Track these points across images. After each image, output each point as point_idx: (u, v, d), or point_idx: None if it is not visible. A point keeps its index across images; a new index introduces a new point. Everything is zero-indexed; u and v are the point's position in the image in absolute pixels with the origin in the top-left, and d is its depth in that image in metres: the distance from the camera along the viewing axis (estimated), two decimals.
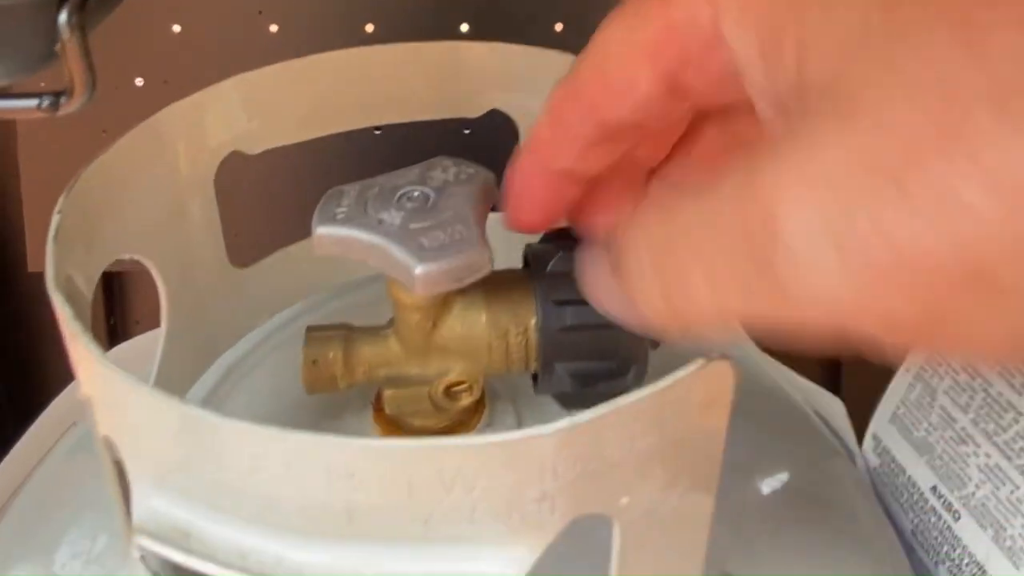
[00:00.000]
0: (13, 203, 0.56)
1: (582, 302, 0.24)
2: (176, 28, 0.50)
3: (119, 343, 0.60)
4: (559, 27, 0.51)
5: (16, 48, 0.18)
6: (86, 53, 0.19)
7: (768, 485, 0.32)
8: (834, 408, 0.36)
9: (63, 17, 0.18)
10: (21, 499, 0.34)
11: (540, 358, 0.26)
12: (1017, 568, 0.29)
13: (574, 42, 0.52)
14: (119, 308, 0.61)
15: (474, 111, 0.35)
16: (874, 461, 0.36)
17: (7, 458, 0.38)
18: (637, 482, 0.18)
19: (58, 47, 0.18)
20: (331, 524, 0.17)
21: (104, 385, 0.18)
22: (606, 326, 0.24)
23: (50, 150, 0.53)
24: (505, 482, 0.17)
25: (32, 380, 0.62)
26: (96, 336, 0.57)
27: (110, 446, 0.20)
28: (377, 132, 0.46)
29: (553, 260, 0.27)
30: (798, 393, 0.38)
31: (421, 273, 0.23)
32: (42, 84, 0.27)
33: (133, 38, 0.51)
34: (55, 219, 0.22)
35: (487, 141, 0.39)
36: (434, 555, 0.17)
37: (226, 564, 0.17)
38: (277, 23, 0.51)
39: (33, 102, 0.19)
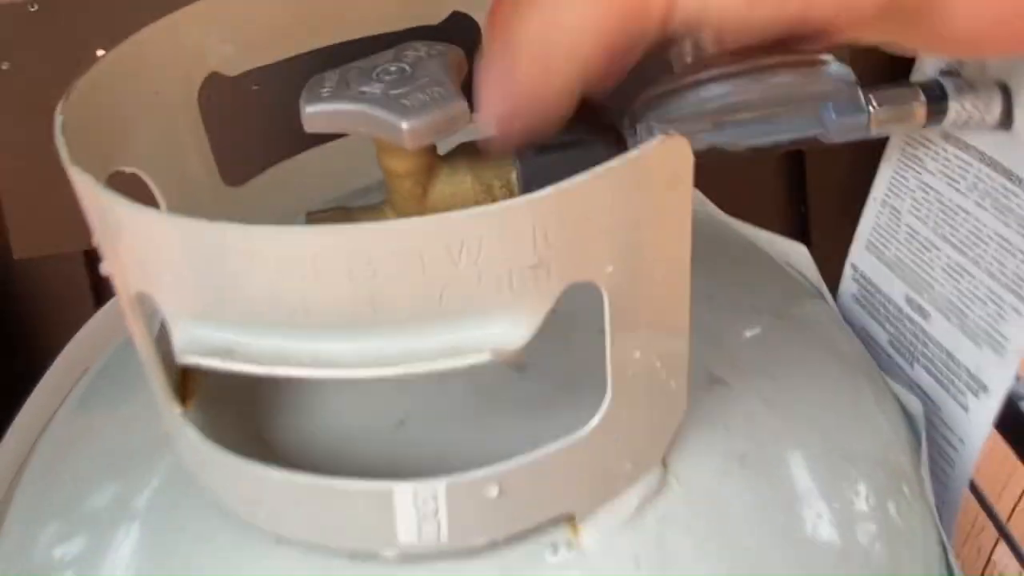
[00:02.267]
0: None
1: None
2: None
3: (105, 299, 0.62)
4: None
5: None
6: None
7: (763, 319, 0.34)
8: (801, 254, 0.39)
9: None
10: (40, 455, 0.35)
11: (520, 187, 0.28)
12: (979, 346, 0.32)
13: None
14: (107, 290, 0.63)
15: (437, 17, 0.37)
16: (853, 288, 0.39)
17: (18, 417, 0.38)
18: (618, 252, 0.20)
19: None
20: (358, 315, 0.19)
21: (134, 230, 0.20)
22: (575, 144, 0.26)
23: (19, 138, 0.54)
24: (504, 249, 0.19)
25: (24, 367, 0.63)
26: (82, 311, 0.58)
27: (142, 302, 0.22)
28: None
29: None
30: (769, 247, 0.40)
31: (408, 127, 0.25)
32: None
33: (94, 11, 0.52)
34: (58, 119, 0.24)
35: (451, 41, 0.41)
36: (450, 327, 0.19)
37: (274, 363, 0.20)
38: None
39: None
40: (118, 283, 0.23)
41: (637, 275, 0.21)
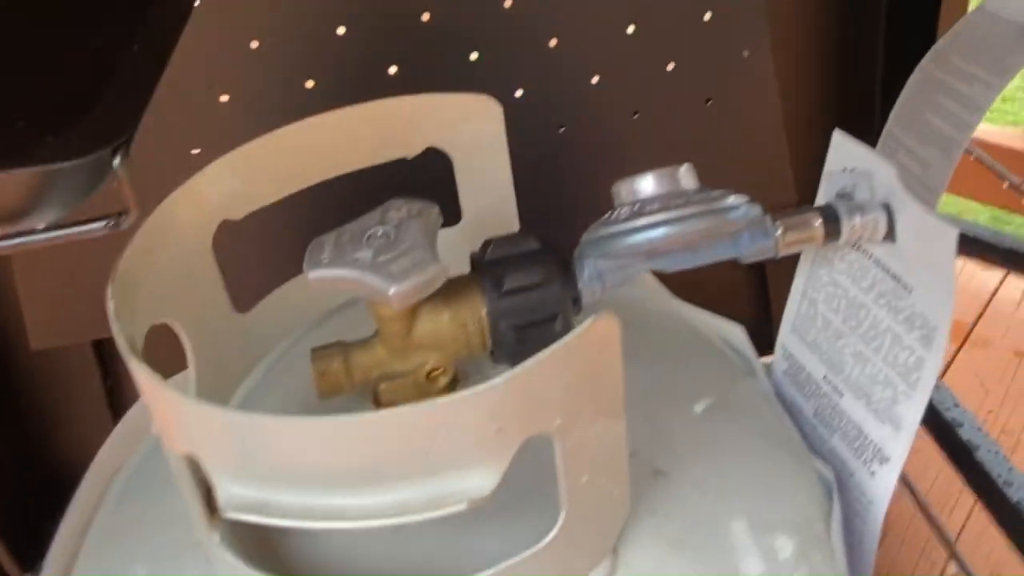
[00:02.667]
0: (6, 290, 0.62)
1: (513, 272, 0.33)
2: None
3: (116, 401, 0.67)
4: (474, 56, 0.59)
5: (79, 189, 0.25)
6: (131, 181, 0.26)
7: (699, 406, 0.41)
8: (737, 334, 0.45)
9: (117, 161, 0.25)
10: (87, 549, 0.40)
11: (489, 323, 0.34)
12: (882, 423, 0.38)
13: (489, 69, 0.61)
14: (113, 370, 0.68)
15: (414, 151, 0.43)
16: (783, 365, 0.45)
17: (63, 524, 0.44)
18: (564, 407, 0.26)
19: (115, 184, 0.25)
20: (364, 476, 0.25)
21: (188, 416, 0.26)
22: (534, 286, 0.32)
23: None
24: (473, 422, 0.25)
25: (38, 453, 0.67)
26: (94, 397, 0.64)
27: (190, 460, 0.28)
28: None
29: (489, 249, 0.35)
30: (707, 326, 0.46)
31: (395, 293, 0.31)
32: None
33: None
34: (110, 304, 0.30)
35: (426, 172, 0.47)
36: (435, 482, 0.25)
37: (297, 518, 0.26)
38: (227, 93, 0.58)
39: (101, 224, 0.27)
40: (166, 441, 0.29)
41: (580, 422, 0.27)
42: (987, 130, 1.18)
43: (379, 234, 0.34)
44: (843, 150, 0.39)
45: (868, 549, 0.40)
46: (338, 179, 0.45)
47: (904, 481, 0.77)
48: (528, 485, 0.34)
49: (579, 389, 0.27)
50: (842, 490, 0.40)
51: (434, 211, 0.35)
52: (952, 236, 0.33)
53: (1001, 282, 1.10)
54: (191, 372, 0.39)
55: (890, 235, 0.37)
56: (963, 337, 1.03)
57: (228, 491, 0.26)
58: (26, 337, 0.61)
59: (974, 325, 1.04)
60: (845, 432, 0.40)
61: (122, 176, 0.25)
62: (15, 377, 0.66)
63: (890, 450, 0.38)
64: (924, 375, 0.36)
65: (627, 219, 0.35)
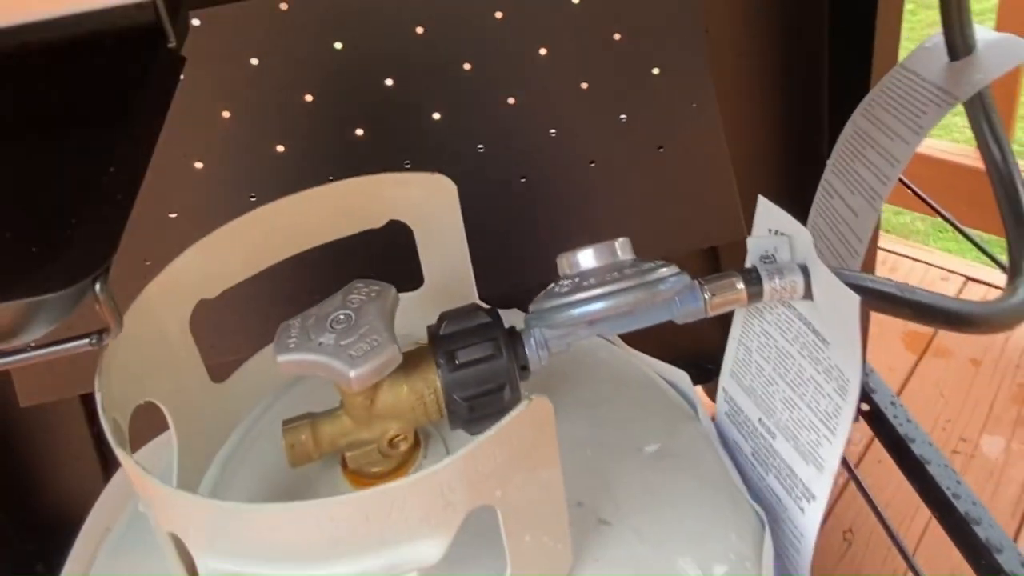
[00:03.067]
0: None
1: (465, 347, 0.37)
2: None
3: (103, 447, 0.70)
4: (436, 116, 0.63)
5: (62, 311, 0.29)
6: (113, 300, 0.29)
7: (645, 452, 0.44)
8: (682, 379, 0.48)
9: (98, 288, 0.28)
10: None
11: (444, 394, 0.37)
12: (807, 464, 0.42)
13: (451, 127, 0.65)
14: (99, 418, 0.71)
15: (378, 222, 0.47)
16: (724, 407, 0.48)
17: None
18: (504, 480, 0.30)
19: (97, 307, 0.29)
20: (327, 551, 0.29)
21: (170, 502, 0.30)
22: (484, 360, 0.36)
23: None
24: (422, 500, 0.28)
25: (29, 500, 0.70)
26: (82, 443, 0.67)
27: (174, 537, 0.31)
28: None
29: (443, 325, 0.39)
30: (655, 370, 0.50)
31: (354, 376, 0.35)
32: None
33: None
34: (98, 396, 0.33)
35: (388, 240, 0.51)
36: (389, 552, 0.29)
37: None
38: (201, 160, 0.62)
39: (84, 341, 0.30)
40: (155, 520, 0.32)
41: (519, 490, 0.31)
42: (940, 147, 1.23)
43: (340, 318, 0.37)
44: (768, 215, 0.43)
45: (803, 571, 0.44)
46: (305, 256, 0.48)
47: (865, 495, 0.82)
48: (476, 545, 0.37)
49: (518, 463, 0.30)
50: (778, 523, 0.44)
51: (391, 293, 0.39)
52: (854, 301, 0.37)
53: (959, 292, 1.14)
54: (173, 441, 0.42)
55: (808, 294, 0.41)
56: (923, 348, 1.07)
57: (207, 565, 0.30)
58: (15, 394, 0.64)
59: (933, 336, 1.08)
60: (779, 471, 0.44)
61: (103, 300, 0.28)
62: (7, 424, 0.69)
63: (816, 488, 0.42)
64: (841, 421, 0.40)
65: (568, 292, 0.39)
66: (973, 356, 1.04)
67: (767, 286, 0.40)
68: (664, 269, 0.40)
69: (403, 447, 0.39)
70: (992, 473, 0.92)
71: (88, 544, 0.48)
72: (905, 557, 0.75)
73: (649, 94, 0.66)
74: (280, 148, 0.63)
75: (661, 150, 0.68)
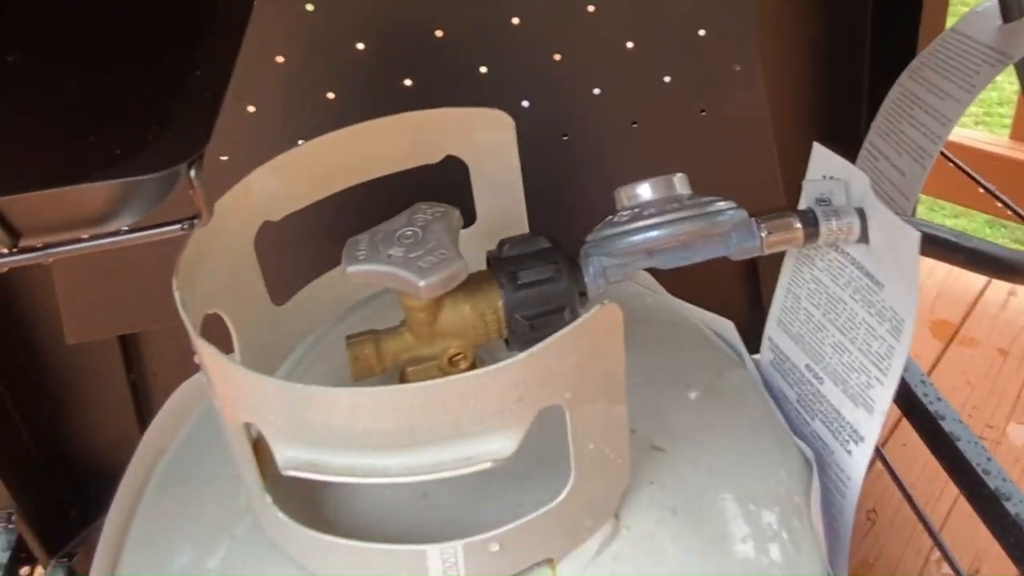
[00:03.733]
0: (43, 285, 0.66)
1: (527, 268, 0.37)
2: None
3: (140, 395, 0.71)
4: (483, 69, 0.64)
5: (155, 197, 0.30)
6: (203, 191, 0.30)
7: (693, 392, 0.45)
8: (728, 328, 0.49)
9: (193, 174, 0.29)
10: (135, 529, 0.44)
11: (505, 313, 0.38)
12: (856, 406, 0.42)
13: (497, 81, 0.66)
14: (136, 364, 0.71)
15: (435, 157, 0.48)
16: (769, 355, 0.49)
17: (112, 506, 0.48)
18: (573, 383, 0.31)
19: (190, 193, 0.30)
20: (401, 439, 0.29)
21: (249, 388, 0.30)
22: (545, 281, 0.37)
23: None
24: (496, 394, 0.29)
25: (64, 443, 0.71)
26: (118, 390, 0.68)
27: (248, 429, 0.32)
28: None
29: (504, 248, 0.40)
30: (700, 321, 0.50)
31: (423, 285, 0.35)
32: None
33: None
34: (177, 293, 0.34)
35: (446, 178, 0.51)
36: (463, 444, 0.30)
37: (346, 475, 0.30)
38: (253, 104, 0.62)
39: (176, 226, 0.31)
40: (227, 415, 0.33)
41: (587, 395, 0.31)
42: (975, 136, 1.23)
43: (408, 234, 0.38)
44: (822, 161, 0.43)
45: (846, 521, 0.44)
46: (365, 184, 0.49)
47: (892, 473, 0.82)
48: (538, 457, 0.38)
49: (586, 368, 0.31)
50: (823, 468, 0.45)
51: (455, 214, 0.40)
52: (915, 237, 0.37)
53: (987, 283, 1.14)
54: (236, 357, 0.43)
55: (863, 237, 0.41)
56: (950, 336, 1.07)
57: (284, 454, 0.31)
58: (58, 332, 0.65)
59: (961, 325, 1.08)
60: (825, 415, 0.45)
61: (196, 185, 0.29)
62: (45, 371, 0.70)
63: (864, 430, 0.42)
64: (894, 362, 0.40)
65: (627, 222, 0.40)
66: (1000, 345, 1.04)
67: (824, 227, 0.41)
68: (722, 202, 0.40)
69: (463, 365, 0.40)
70: (1018, 460, 0.92)
71: (141, 468, 0.48)
72: (932, 535, 0.75)
73: (694, 55, 0.66)
74: (331, 95, 0.63)
75: (703, 113, 0.68)
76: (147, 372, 0.72)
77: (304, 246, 0.59)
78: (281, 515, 0.33)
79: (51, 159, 0.29)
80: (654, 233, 0.39)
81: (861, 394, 0.42)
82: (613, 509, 0.36)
